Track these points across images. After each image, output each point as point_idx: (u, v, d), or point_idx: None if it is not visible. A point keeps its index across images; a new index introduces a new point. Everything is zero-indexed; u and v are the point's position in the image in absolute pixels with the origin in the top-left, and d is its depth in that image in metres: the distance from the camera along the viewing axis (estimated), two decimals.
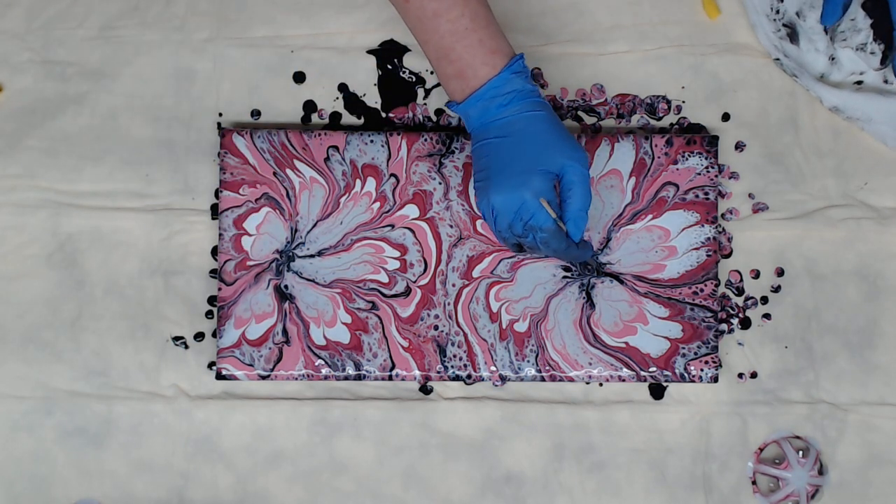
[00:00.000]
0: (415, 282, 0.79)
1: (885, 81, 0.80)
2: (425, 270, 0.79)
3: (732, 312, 0.81)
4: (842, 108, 0.80)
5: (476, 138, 0.72)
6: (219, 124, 0.82)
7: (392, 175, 0.79)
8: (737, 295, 0.81)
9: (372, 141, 0.79)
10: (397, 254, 0.79)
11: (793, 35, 0.80)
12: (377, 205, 0.79)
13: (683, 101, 0.82)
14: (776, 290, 0.81)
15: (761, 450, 0.80)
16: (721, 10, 0.82)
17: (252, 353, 0.78)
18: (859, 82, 0.80)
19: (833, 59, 0.80)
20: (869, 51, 0.79)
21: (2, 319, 0.80)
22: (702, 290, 0.79)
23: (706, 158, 0.79)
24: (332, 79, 0.82)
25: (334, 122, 0.82)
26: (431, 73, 0.82)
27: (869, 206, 0.81)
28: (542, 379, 0.78)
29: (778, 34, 0.81)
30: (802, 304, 0.81)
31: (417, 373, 0.78)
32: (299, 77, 0.82)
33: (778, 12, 0.80)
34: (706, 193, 0.79)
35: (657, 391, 0.80)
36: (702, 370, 0.78)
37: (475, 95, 0.70)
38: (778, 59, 0.81)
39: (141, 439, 0.79)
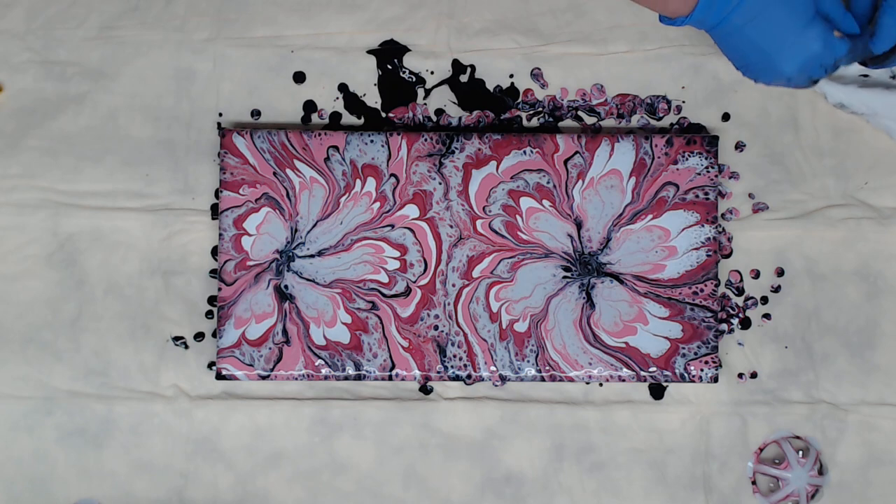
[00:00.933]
0: (415, 282, 0.79)
1: (893, 77, 0.80)
2: (425, 270, 0.79)
3: (732, 312, 0.81)
4: (847, 104, 0.80)
5: (722, 32, 0.69)
6: (219, 124, 0.82)
7: (392, 175, 0.79)
8: (737, 295, 0.81)
9: (372, 141, 0.79)
10: (397, 254, 0.79)
11: None
12: (377, 205, 0.79)
13: (683, 101, 0.82)
14: (776, 290, 0.81)
15: (761, 450, 0.80)
16: None
17: (252, 353, 0.78)
18: (865, 75, 0.80)
19: None
20: None
21: (2, 319, 0.80)
22: (702, 290, 0.79)
23: (706, 158, 0.79)
24: (332, 79, 0.82)
25: (334, 122, 0.82)
26: (432, 73, 0.82)
27: (869, 205, 0.81)
28: (542, 379, 0.78)
29: None
30: (802, 304, 0.81)
31: (417, 373, 0.78)
32: (299, 77, 0.82)
33: None
34: (706, 193, 0.79)
35: (657, 391, 0.80)
36: (702, 370, 0.78)
37: None
38: None
39: (141, 439, 0.79)
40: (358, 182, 0.79)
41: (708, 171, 0.79)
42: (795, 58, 0.68)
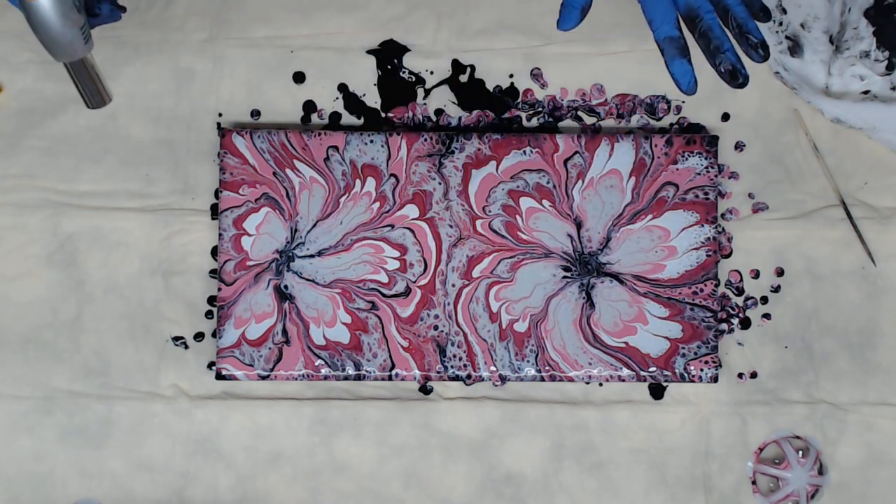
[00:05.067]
0: (415, 282, 0.79)
1: (893, 88, 0.80)
2: (425, 270, 0.79)
3: (732, 312, 0.81)
4: (844, 119, 0.80)
5: None
6: (219, 124, 0.82)
7: (392, 175, 0.79)
8: (737, 295, 0.81)
9: (372, 141, 0.79)
10: (397, 254, 0.79)
11: (794, 48, 0.80)
12: (377, 205, 0.79)
13: (683, 101, 0.82)
14: (776, 290, 0.81)
15: (761, 450, 0.80)
16: None
17: (252, 353, 0.78)
18: (866, 91, 0.80)
19: (835, 68, 0.80)
20: (873, 58, 0.78)
21: (2, 319, 0.80)
22: (702, 290, 0.79)
23: (706, 158, 0.79)
24: (332, 79, 0.82)
25: (334, 122, 0.82)
26: (432, 73, 0.82)
27: (869, 205, 0.81)
28: (542, 379, 0.78)
29: (779, 47, 0.80)
30: (802, 304, 0.81)
31: (417, 373, 0.78)
32: (299, 77, 0.82)
33: (781, 24, 0.80)
34: (706, 193, 0.79)
35: (657, 391, 0.80)
36: (702, 370, 0.78)
37: None
38: (778, 73, 0.81)
39: (141, 439, 0.79)
40: (358, 182, 0.79)
41: (708, 171, 0.79)
42: None
